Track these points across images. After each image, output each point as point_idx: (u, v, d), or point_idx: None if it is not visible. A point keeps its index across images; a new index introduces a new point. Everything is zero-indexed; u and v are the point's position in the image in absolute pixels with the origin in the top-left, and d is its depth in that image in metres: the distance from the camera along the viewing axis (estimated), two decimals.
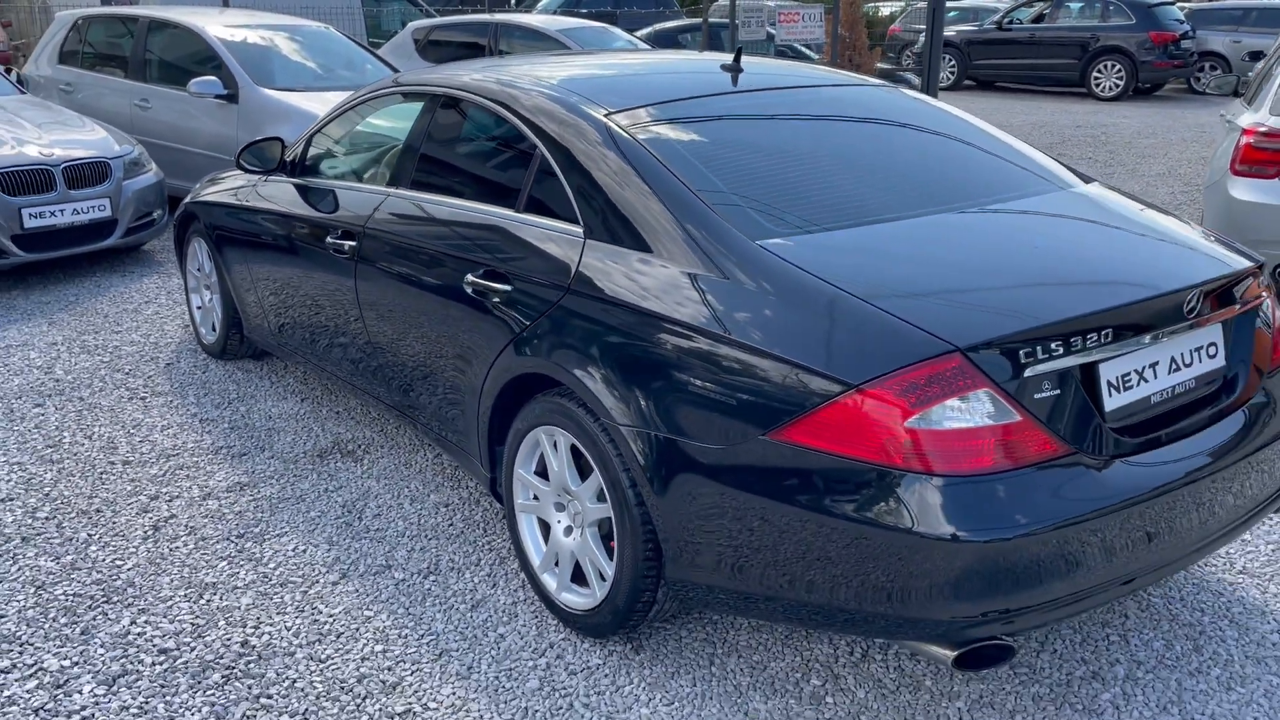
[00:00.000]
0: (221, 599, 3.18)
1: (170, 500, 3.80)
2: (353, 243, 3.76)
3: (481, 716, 2.68)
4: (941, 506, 2.21)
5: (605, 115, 3.05)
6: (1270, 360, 2.83)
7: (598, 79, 3.40)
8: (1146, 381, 2.51)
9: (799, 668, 2.86)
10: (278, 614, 3.11)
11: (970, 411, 2.24)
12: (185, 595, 3.20)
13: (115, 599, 3.18)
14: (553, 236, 2.99)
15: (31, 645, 2.94)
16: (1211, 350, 2.67)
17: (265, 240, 4.40)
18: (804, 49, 12.99)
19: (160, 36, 8.35)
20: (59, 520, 3.65)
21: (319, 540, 3.52)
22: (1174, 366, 2.57)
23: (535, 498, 3.08)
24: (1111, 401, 2.43)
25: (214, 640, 2.98)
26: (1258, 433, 2.68)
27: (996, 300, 2.40)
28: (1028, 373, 2.28)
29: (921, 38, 20.24)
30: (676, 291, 2.62)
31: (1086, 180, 3.35)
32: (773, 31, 11.89)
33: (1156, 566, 2.49)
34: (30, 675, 2.82)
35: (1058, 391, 2.32)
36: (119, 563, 3.38)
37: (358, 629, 3.03)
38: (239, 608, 3.14)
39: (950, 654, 2.33)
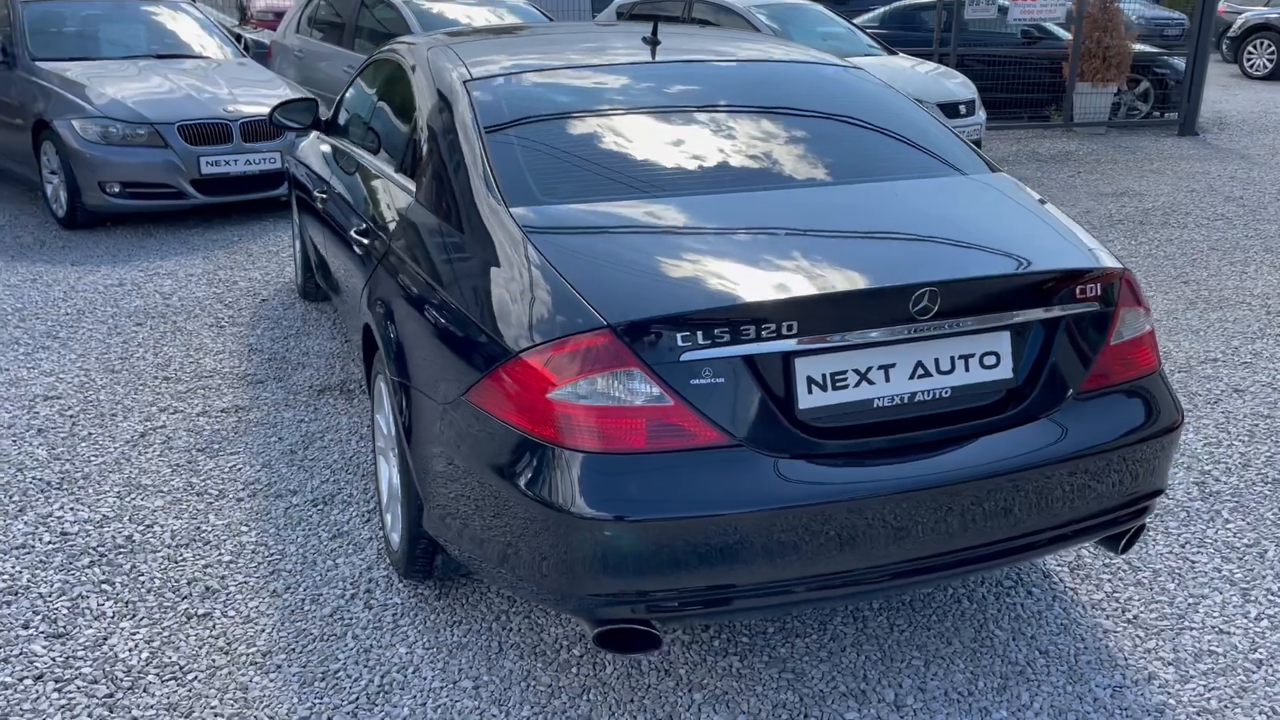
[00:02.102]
0: (142, 499, 3.62)
1: (172, 413, 4.31)
2: (324, 195, 4.10)
3: (263, 629, 2.93)
4: (581, 482, 2.20)
5: (464, 81, 3.16)
6: (1084, 380, 2.52)
7: (497, 47, 3.49)
8: (871, 384, 2.33)
9: (571, 636, 2.89)
10: (174, 518, 3.50)
11: (618, 390, 2.21)
12: (118, 492, 3.67)
13: (65, 487, 3.70)
14: (398, 195, 3.15)
15: None
16: (990, 359, 2.43)
17: (303, 193, 4.85)
18: (1053, 28, 12.06)
19: (370, 7, 9.12)
20: (77, 419, 4.25)
21: (258, 462, 3.89)
22: (920, 371, 2.37)
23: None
24: (810, 399, 2.29)
25: (108, 531, 3.41)
26: (1037, 456, 2.41)
27: (685, 282, 2.32)
28: (685, 357, 2.21)
29: (1239, 19, 18.17)
30: (434, 249, 2.73)
31: (993, 170, 3.09)
32: (1005, 5, 11.15)
33: (868, 579, 2.34)
34: None
35: (722, 380, 2.23)
36: (91, 458, 3.91)
37: (224, 540, 3.37)
38: (149, 508, 3.56)
39: (591, 630, 2.31)
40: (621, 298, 2.27)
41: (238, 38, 10.07)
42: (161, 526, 3.45)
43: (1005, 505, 2.39)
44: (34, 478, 3.76)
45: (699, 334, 2.21)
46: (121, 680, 2.72)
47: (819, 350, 2.28)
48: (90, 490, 3.67)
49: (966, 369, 2.42)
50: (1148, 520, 2.82)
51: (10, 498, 3.62)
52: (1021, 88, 11.86)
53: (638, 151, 2.89)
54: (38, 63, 7.53)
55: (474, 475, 2.41)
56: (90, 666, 2.77)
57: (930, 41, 12.03)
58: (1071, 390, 2.50)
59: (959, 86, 8.95)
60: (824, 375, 2.30)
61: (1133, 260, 6.67)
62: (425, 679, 2.73)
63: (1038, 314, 2.46)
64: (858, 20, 13.20)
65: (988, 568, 2.48)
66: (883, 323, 2.31)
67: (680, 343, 2.20)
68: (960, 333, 2.39)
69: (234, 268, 6.40)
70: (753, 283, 2.30)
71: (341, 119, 4.62)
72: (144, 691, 2.68)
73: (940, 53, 11.60)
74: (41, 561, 3.24)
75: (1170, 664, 2.80)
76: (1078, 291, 2.51)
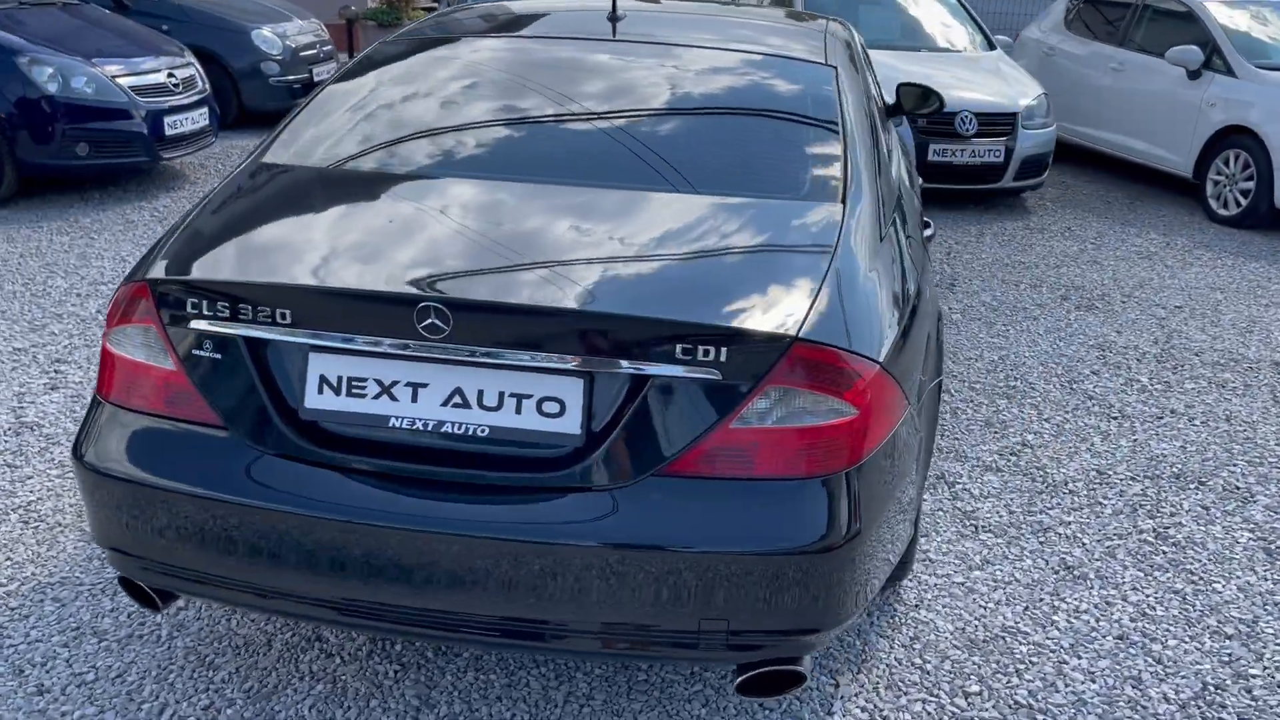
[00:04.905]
0: None
1: None
2: None
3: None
4: (95, 430, 2.26)
5: (383, 40, 3.20)
6: (676, 460, 2.00)
7: (487, 16, 3.44)
8: (395, 400, 2.08)
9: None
10: None
11: (140, 345, 2.22)
12: None
13: None
14: None
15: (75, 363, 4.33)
16: (552, 406, 2.04)
17: None
18: None
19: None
20: None
21: None
22: (457, 400, 2.06)
23: None
24: (319, 400, 2.11)
25: None
26: (570, 532, 1.99)
27: (238, 252, 2.25)
28: (192, 325, 2.15)
29: None
30: None
31: (840, 201, 2.48)
32: None
33: (346, 610, 2.13)
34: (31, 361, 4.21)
35: (219, 357, 2.14)
36: None
37: None
38: None
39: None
40: (175, 255, 2.26)
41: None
42: None
43: (522, 580, 2.01)
44: None
45: (204, 304, 2.13)
46: None
47: (336, 350, 2.08)
48: None
49: (518, 411, 2.04)
50: (803, 669, 2.13)
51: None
52: None
53: (443, 123, 2.74)
54: None
55: None
56: None
57: None
58: (650, 467, 2.00)
59: None
60: (339, 378, 2.09)
61: None
62: None
63: (619, 366, 2.00)
64: None
65: (504, 646, 2.11)
66: (391, 334, 2.04)
67: (189, 310, 2.15)
68: (512, 367, 2.03)
69: None
70: (273, 264, 2.17)
71: None
72: None
73: None
74: (68, 411, 3.94)
75: None
76: (680, 351, 1.98)
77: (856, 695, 2.61)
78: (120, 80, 6.78)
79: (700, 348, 1.98)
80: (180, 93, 7.17)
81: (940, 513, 3.45)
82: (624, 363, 2.00)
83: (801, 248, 2.28)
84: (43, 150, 6.51)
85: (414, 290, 2.03)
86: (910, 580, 3.07)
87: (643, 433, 2.01)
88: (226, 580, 2.18)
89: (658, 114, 2.75)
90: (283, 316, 2.08)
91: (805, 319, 2.05)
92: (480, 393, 2.05)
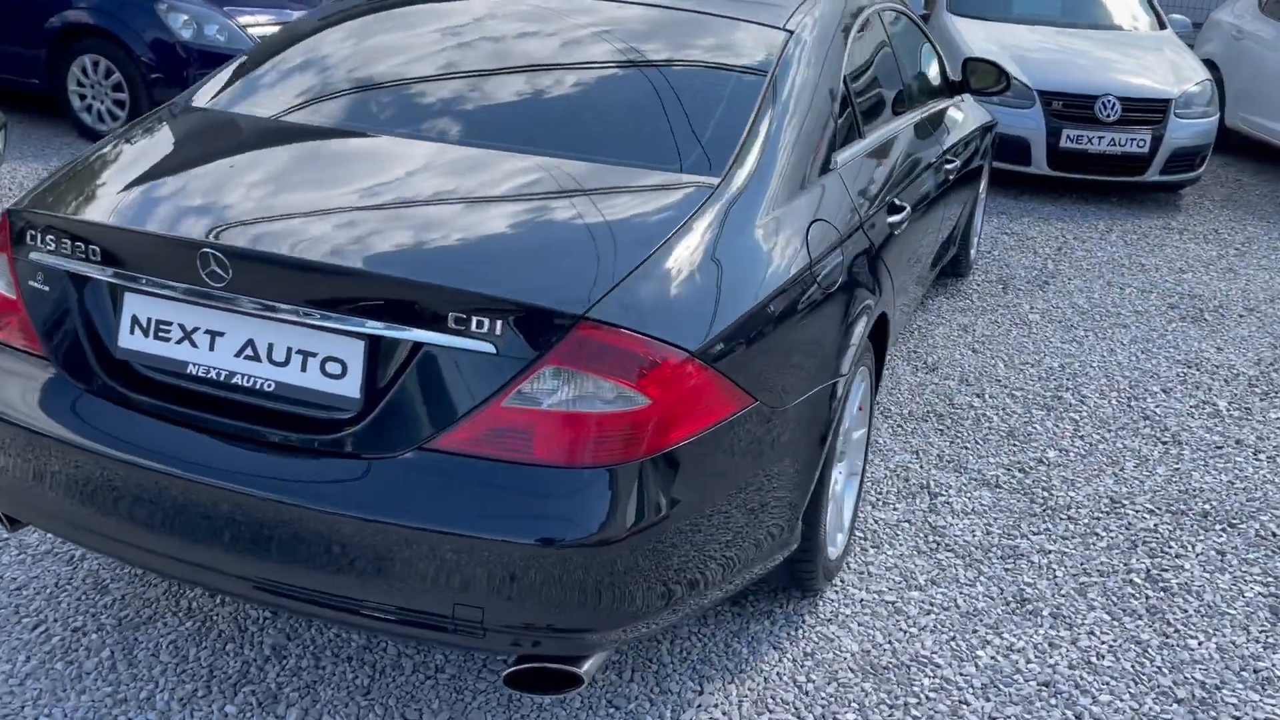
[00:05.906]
0: None
1: None
2: None
3: None
4: None
5: None
6: (444, 434, 1.90)
7: None
8: (195, 346, 2.07)
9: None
10: None
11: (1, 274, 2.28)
12: None
13: None
14: None
15: None
16: (334, 368, 1.98)
17: None
18: None
19: None
20: None
21: None
22: (249, 352, 2.03)
23: None
24: (131, 340, 2.12)
25: None
26: (324, 497, 1.93)
27: (87, 188, 2.27)
28: (32, 257, 2.20)
29: None
30: None
31: (723, 178, 2.29)
32: None
33: (136, 548, 2.14)
34: None
35: (48, 289, 2.18)
36: None
37: None
38: None
39: None
40: (41, 189, 2.31)
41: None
42: None
43: (279, 541, 1.95)
44: None
45: (39, 237, 2.17)
46: None
47: (146, 292, 2.08)
48: None
49: (304, 369, 1.98)
50: (580, 670, 1.96)
51: None
52: None
53: (325, 75, 2.69)
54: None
55: None
56: None
57: None
58: (417, 441, 1.90)
59: None
60: (149, 320, 2.09)
61: None
62: None
63: (394, 331, 1.90)
64: None
65: (261, 604, 2.07)
66: (181, 279, 2.01)
67: (28, 241, 2.19)
68: (299, 323, 1.97)
69: None
70: (98, 202, 2.19)
71: None
72: None
73: None
74: None
75: None
76: (453, 321, 1.86)
77: (715, 705, 2.43)
78: (251, 30, 7.09)
79: (475, 318, 1.86)
80: None
81: (906, 524, 3.18)
82: (398, 328, 1.90)
83: (642, 222, 2.11)
84: (177, 93, 6.89)
85: (196, 236, 2.00)
86: (834, 592, 2.84)
87: (412, 404, 1.91)
88: (47, 510, 2.22)
89: (553, 72, 2.60)
90: (94, 254, 2.10)
91: (602, 298, 1.89)
92: (270, 346, 2.01)
